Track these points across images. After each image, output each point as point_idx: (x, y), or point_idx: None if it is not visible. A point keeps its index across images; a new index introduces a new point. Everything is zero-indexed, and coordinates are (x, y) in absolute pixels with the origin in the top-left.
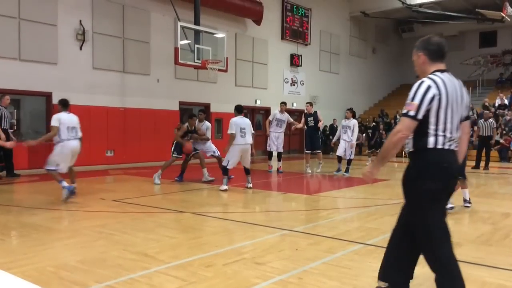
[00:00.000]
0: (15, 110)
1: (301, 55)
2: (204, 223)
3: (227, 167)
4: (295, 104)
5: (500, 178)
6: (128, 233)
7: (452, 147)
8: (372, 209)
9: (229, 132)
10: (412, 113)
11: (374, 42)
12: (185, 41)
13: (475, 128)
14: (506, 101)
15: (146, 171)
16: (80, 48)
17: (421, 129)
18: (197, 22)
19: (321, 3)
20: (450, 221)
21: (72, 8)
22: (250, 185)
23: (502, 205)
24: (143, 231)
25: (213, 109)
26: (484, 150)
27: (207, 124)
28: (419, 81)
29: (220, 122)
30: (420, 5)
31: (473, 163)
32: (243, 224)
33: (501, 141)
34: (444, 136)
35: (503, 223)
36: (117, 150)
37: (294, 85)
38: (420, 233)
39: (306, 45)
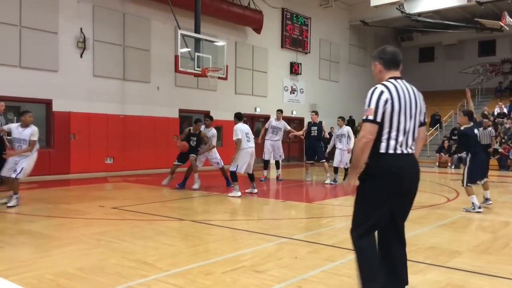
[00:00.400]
0: (15, 117)
1: (300, 63)
2: (204, 231)
3: (236, 172)
4: (294, 112)
5: (499, 187)
6: (127, 241)
7: (405, 151)
8: None
9: (235, 138)
10: (371, 117)
11: (373, 50)
12: (185, 49)
13: None
14: (505, 110)
15: (146, 178)
16: (81, 56)
17: (377, 133)
18: (197, 30)
19: (321, 12)
20: (450, 230)
21: (73, 16)
22: (255, 190)
23: (501, 213)
24: (142, 238)
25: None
26: None
27: (213, 131)
28: (372, 88)
29: (219, 130)
30: (419, 14)
31: None
32: (242, 232)
33: (500, 149)
34: (396, 140)
35: (503, 232)
36: (116, 157)
37: (293, 93)
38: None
39: (306, 53)
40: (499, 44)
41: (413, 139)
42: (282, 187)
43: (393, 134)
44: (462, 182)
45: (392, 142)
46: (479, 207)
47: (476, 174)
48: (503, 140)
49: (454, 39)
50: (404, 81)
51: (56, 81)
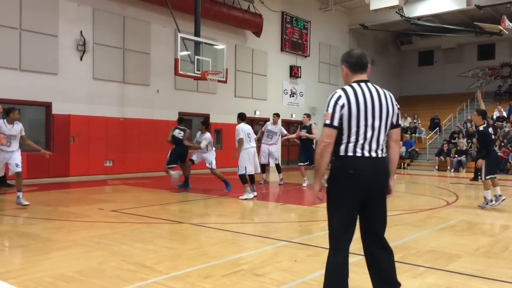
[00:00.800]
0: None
1: (300, 67)
2: (203, 234)
3: (245, 174)
4: (294, 115)
5: None
6: (126, 244)
7: (367, 154)
8: None
9: (237, 138)
10: (328, 121)
11: (373, 54)
12: (185, 52)
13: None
14: (504, 113)
15: (145, 181)
16: (81, 59)
17: (337, 137)
18: (197, 34)
19: (321, 15)
20: (449, 233)
21: (73, 19)
22: (255, 193)
23: (501, 217)
24: (141, 241)
25: (212, 119)
26: None
27: (206, 135)
28: (333, 92)
29: (219, 133)
30: (419, 18)
31: (471, 175)
32: (241, 235)
33: (500, 153)
34: (356, 143)
35: (503, 235)
36: (116, 160)
37: (293, 96)
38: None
39: (306, 56)
40: (498, 48)
41: (378, 143)
42: (282, 190)
43: (352, 137)
44: (480, 176)
45: (351, 145)
46: (491, 201)
47: (493, 168)
48: (503, 144)
49: (453, 43)
50: (369, 84)
51: (56, 84)
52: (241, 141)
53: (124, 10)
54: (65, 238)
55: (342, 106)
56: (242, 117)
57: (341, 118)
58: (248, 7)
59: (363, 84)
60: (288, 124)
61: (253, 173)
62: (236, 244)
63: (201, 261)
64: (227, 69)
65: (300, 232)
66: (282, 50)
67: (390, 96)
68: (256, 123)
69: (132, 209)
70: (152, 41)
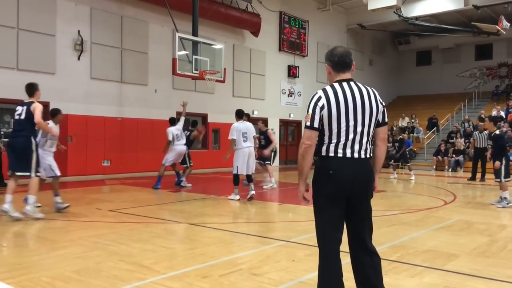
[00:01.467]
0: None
1: (298, 67)
2: (201, 233)
3: (238, 174)
4: (292, 115)
5: (496, 190)
6: (124, 244)
7: (349, 155)
8: None
9: (229, 137)
10: (308, 123)
11: (370, 54)
12: (183, 52)
13: (471, 140)
14: (502, 113)
15: (143, 181)
16: (78, 58)
17: (319, 138)
18: (195, 33)
19: (319, 15)
20: (447, 233)
21: (71, 19)
22: (253, 192)
23: (498, 217)
24: (139, 241)
25: (210, 119)
26: (480, 161)
27: (168, 128)
28: (314, 93)
29: (217, 133)
30: (417, 18)
31: (469, 175)
32: (239, 235)
33: None
34: (337, 144)
35: (500, 235)
36: (114, 160)
37: (291, 96)
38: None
39: (304, 56)
40: (496, 48)
41: (361, 143)
42: (279, 190)
43: (334, 138)
44: (499, 177)
45: (332, 146)
46: (509, 202)
47: (508, 171)
48: None
49: (451, 42)
50: (352, 83)
51: (54, 84)
52: (231, 142)
53: (122, 9)
54: (63, 238)
55: (322, 107)
56: (239, 115)
57: (321, 119)
58: (246, 7)
59: (345, 84)
60: (287, 124)
61: (244, 173)
62: (234, 244)
63: (199, 261)
64: (225, 69)
65: (298, 232)
66: (280, 50)
67: (375, 94)
68: (254, 123)
69: (130, 209)
70: (150, 40)
